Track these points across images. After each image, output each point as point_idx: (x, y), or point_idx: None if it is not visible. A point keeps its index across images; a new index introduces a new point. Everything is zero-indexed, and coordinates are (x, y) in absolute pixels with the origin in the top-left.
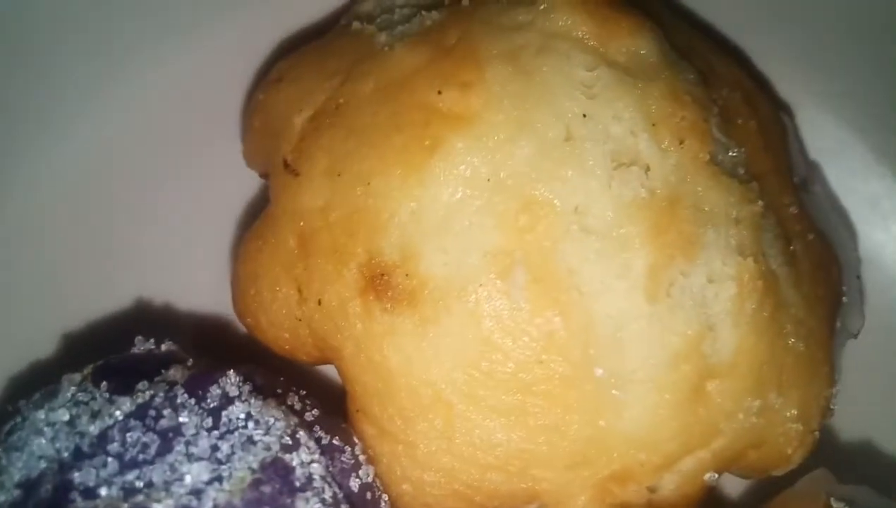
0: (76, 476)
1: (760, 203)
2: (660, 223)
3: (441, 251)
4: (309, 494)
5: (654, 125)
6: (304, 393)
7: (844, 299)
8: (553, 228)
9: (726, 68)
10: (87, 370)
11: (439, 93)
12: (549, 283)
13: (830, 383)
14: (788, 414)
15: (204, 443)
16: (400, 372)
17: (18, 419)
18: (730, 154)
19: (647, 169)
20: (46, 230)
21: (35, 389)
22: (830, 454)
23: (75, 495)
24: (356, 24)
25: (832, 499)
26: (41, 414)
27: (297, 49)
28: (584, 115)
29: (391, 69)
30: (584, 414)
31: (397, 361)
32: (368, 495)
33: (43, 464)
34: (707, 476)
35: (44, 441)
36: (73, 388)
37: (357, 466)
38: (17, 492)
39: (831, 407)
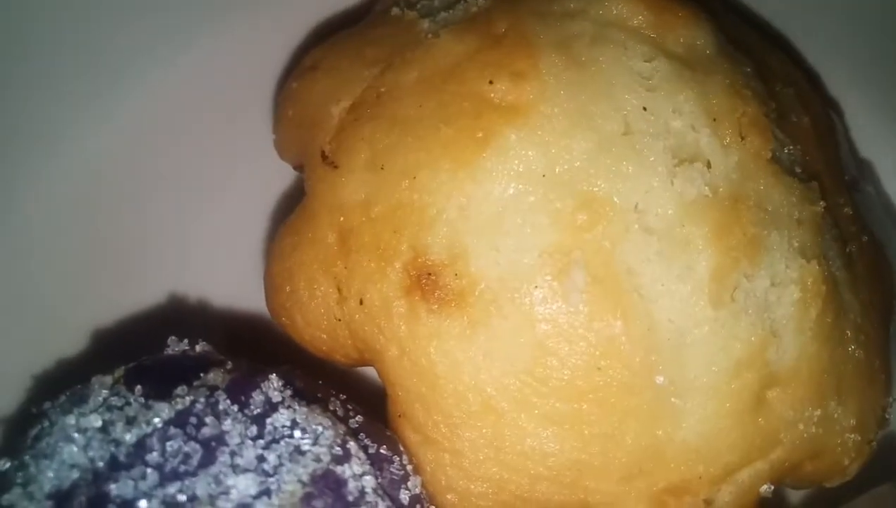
0: (113, 488)
1: (822, 203)
2: (724, 223)
3: (493, 250)
4: None
5: (714, 120)
6: (345, 397)
7: None
8: (613, 227)
9: (778, 63)
10: (119, 372)
11: (490, 83)
12: (608, 285)
13: (888, 392)
14: (847, 423)
15: (249, 454)
16: (447, 377)
17: (46, 423)
18: (787, 151)
19: (709, 165)
20: (76, 224)
21: (61, 390)
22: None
23: (112, 504)
24: (395, 11)
25: None
26: (71, 419)
27: (331, 37)
28: (644, 109)
29: (437, 57)
30: (642, 423)
31: (444, 365)
32: (418, 507)
33: (75, 474)
34: (763, 487)
35: (75, 448)
36: (104, 391)
37: (406, 477)
38: (48, 504)
39: (887, 416)
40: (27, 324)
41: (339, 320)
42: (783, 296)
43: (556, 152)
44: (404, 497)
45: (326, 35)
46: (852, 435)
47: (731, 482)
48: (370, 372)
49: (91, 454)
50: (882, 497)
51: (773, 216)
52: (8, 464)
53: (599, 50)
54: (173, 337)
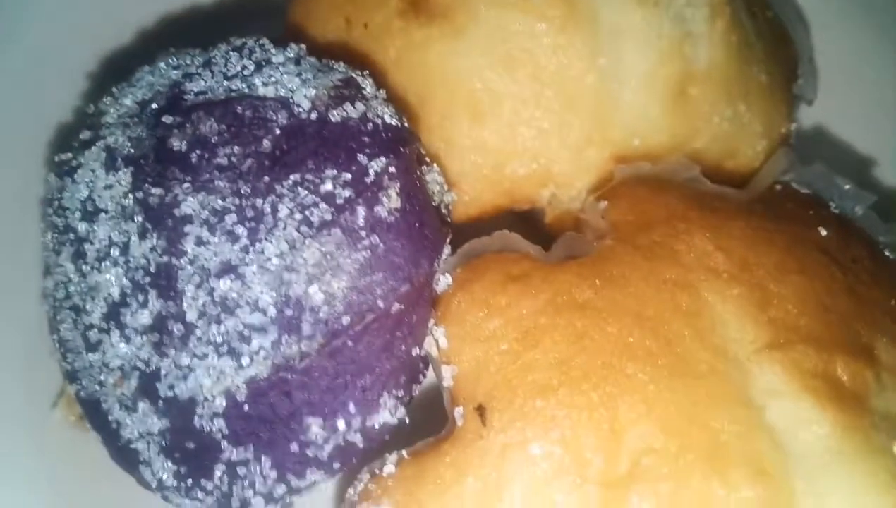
0: (187, 86)
1: None
2: None
3: None
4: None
5: None
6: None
7: (800, 81)
8: None
9: None
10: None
11: None
12: None
13: (789, 120)
14: (755, 129)
15: (291, 68)
16: (437, 72)
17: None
18: None
19: None
20: None
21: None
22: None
23: (189, 94)
24: None
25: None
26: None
27: None
28: None
29: None
30: (590, 101)
31: (435, 63)
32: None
33: (157, 87)
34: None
35: (154, 74)
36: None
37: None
38: (134, 108)
39: (791, 142)
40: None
41: (347, 42)
42: (696, 14)
43: None
44: None
45: None
46: (761, 141)
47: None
48: None
49: (166, 73)
50: (777, 158)
51: None
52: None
53: None
54: None
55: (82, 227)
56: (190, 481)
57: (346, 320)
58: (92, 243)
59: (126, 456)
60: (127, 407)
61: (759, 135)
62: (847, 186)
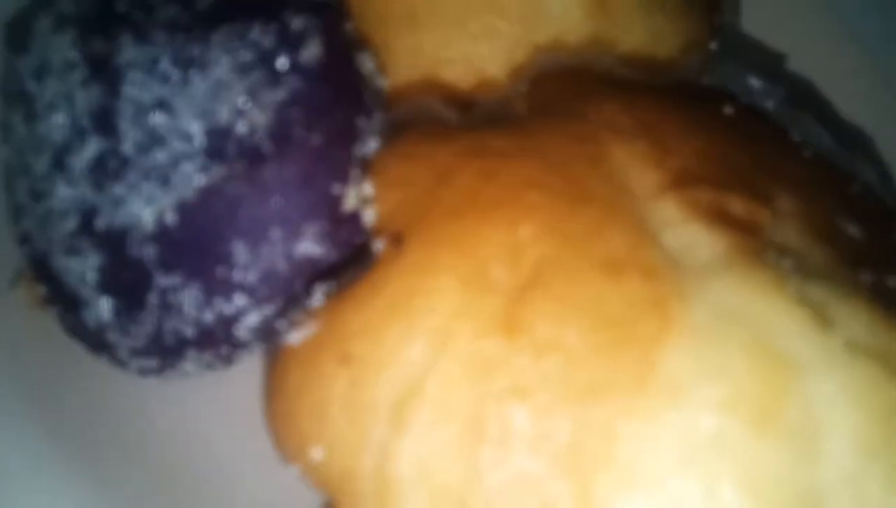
0: None
1: None
2: None
3: None
4: None
5: None
6: None
7: None
8: None
9: None
10: None
11: None
12: None
13: (708, 31)
14: (673, 41)
15: None
16: None
17: None
18: None
19: None
20: None
21: None
22: None
23: None
24: None
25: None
26: None
27: None
28: None
29: None
30: (518, 9)
31: None
32: None
33: None
34: None
35: None
36: None
37: None
38: None
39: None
40: None
41: None
42: None
43: None
44: None
45: None
46: (680, 51)
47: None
48: None
49: None
50: (690, 59)
51: None
52: None
53: None
54: None
55: (32, 87)
56: (126, 316)
57: (267, 148)
58: (41, 99)
59: (71, 305)
60: (69, 250)
61: (677, 46)
62: (758, 82)
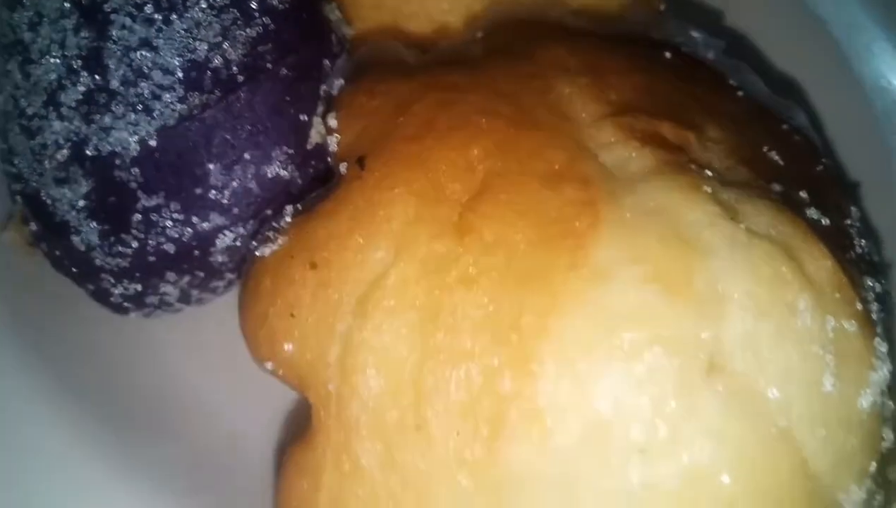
0: None
1: None
2: None
3: None
4: None
5: None
6: None
7: None
8: None
9: None
10: None
11: None
12: None
13: None
14: None
15: None
16: None
17: None
18: None
19: None
20: None
21: None
22: None
23: None
24: None
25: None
26: None
27: None
28: None
29: None
30: None
31: None
32: None
33: None
34: None
35: None
36: None
37: None
38: None
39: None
40: None
41: None
42: None
43: None
44: None
45: None
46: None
47: None
48: None
49: None
50: (634, 14)
51: None
52: None
53: None
54: None
55: (27, 36)
56: (112, 237)
57: (240, 78)
58: (35, 45)
59: (61, 233)
60: (61, 181)
61: (626, 4)
62: (698, 34)
